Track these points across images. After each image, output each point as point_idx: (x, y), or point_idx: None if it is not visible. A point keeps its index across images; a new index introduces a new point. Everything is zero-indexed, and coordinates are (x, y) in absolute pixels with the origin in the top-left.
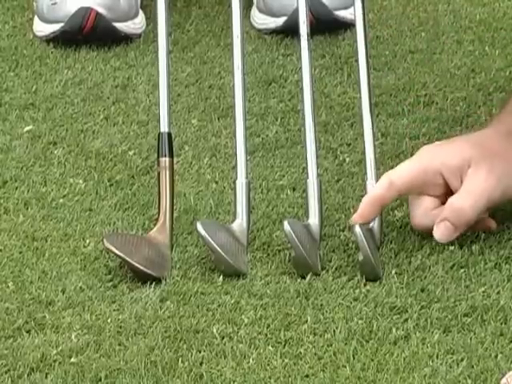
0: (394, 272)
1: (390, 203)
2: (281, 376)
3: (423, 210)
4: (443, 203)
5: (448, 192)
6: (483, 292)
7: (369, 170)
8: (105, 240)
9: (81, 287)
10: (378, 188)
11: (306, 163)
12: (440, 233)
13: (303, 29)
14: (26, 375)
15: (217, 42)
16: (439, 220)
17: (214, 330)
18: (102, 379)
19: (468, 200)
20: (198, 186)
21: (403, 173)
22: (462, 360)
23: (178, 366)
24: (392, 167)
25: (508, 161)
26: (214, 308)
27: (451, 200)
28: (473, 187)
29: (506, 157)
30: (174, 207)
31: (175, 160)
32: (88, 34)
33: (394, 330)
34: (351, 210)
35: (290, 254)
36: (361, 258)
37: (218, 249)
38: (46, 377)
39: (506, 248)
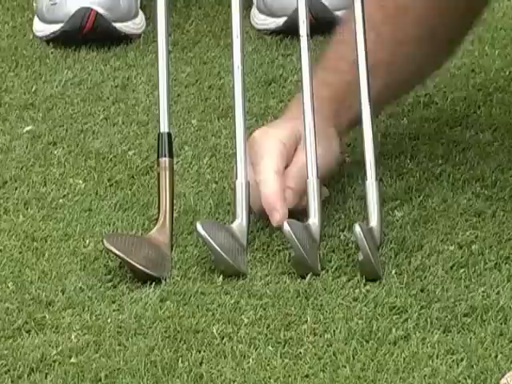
0: (393, 272)
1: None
2: (281, 376)
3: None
4: None
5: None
6: (483, 292)
7: (369, 170)
8: (105, 240)
9: (81, 287)
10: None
11: (306, 163)
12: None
13: (303, 29)
14: (25, 375)
15: (217, 42)
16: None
17: (214, 330)
18: (102, 379)
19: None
20: (198, 186)
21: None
22: (462, 360)
23: (177, 366)
24: (392, 167)
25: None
26: (214, 308)
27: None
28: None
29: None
30: (174, 207)
31: (175, 160)
32: (88, 34)
33: (393, 330)
34: (351, 209)
35: (289, 254)
36: (361, 257)
37: (218, 249)
38: (46, 377)
39: (505, 248)
